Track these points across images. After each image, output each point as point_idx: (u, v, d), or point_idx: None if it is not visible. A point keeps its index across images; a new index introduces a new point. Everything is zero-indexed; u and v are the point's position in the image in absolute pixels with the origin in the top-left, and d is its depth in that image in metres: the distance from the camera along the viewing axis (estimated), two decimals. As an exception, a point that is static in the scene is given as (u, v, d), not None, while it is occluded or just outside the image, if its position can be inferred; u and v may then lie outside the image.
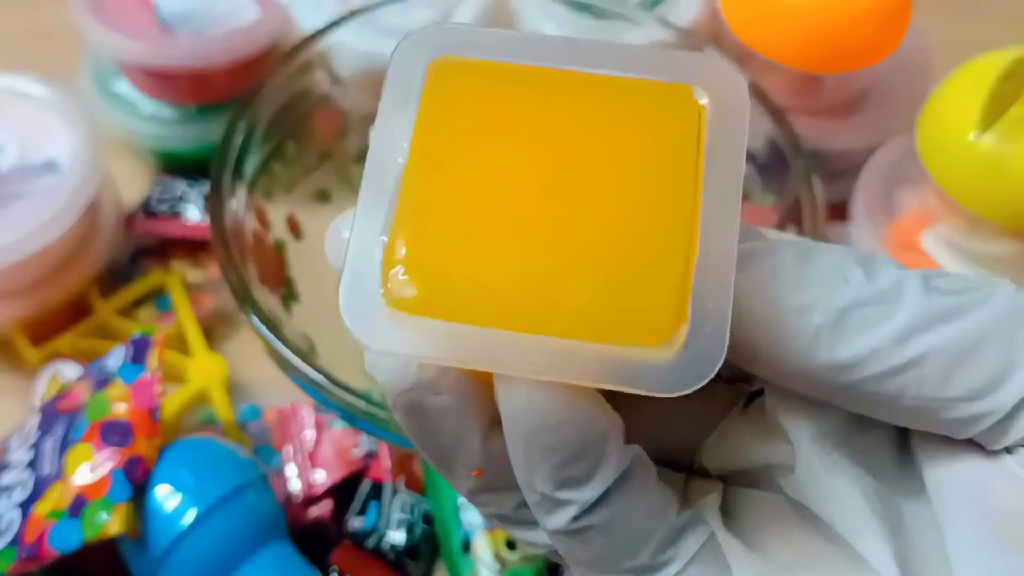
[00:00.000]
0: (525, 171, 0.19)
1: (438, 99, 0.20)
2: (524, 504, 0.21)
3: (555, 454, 0.19)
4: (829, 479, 0.21)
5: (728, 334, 0.18)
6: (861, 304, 0.19)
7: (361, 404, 0.34)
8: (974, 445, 0.20)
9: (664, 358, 0.18)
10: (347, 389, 0.34)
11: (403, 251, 0.18)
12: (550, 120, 0.19)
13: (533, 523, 0.22)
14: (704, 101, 0.19)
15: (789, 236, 0.22)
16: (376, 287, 0.19)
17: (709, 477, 0.24)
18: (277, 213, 0.44)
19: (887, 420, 0.20)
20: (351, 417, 0.35)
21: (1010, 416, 0.19)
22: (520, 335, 0.18)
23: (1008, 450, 0.20)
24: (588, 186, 0.19)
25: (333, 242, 0.22)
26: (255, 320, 0.36)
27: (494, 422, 0.20)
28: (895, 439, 0.22)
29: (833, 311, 0.19)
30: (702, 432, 0.24)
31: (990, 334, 0.19)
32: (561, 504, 0.20)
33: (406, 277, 0.18)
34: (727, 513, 0.22)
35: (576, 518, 0.20)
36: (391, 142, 0.19)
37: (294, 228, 0.45)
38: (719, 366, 0.18)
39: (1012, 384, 0.19)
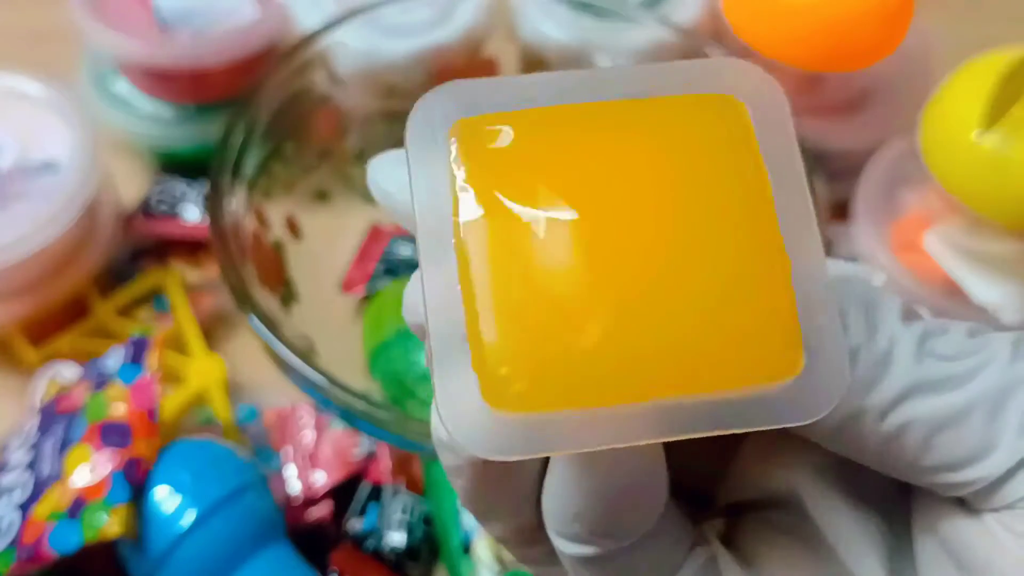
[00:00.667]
0: (591, 219, 0.17)
1: (471, 161, 0.18)
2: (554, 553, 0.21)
3: (621, 513, 0.19)
4: (828, 509, 0.21)
5: (846, 345, 0.17)
6: (853, 362, 0.19)
7: (360, 405, 0.34)
8: (960, 500, 0.20)
9: (789, 386, 0.17)
10: (346, 390, 0.34)
11: (493, 339, 0.17)
12: (599, 157, 0.17)
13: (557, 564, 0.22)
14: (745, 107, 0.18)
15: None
16: (472, 384, 0.17)
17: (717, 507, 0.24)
18: (276, 213, 0.44)
19: (876, 469, 0.20)
20: (351, 418, 0.35)
21: (993, 486, 0.19)
22: (632, 405, 0.17)
23: (995, 510, 0.20)
24: (661, 220, 0.17)
25: (378, 186, 0.21)
26: (254, 320, 0.36)
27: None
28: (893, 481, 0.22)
29: None
30: (719, 464, 0.24)
31: (977, 406, 0.19)
32: (590, 543, 0.20)
33: (507, 371, 0.16)
34: (730, 539, 0.22)
35: (600, 556, 0.20)
36: (436, 209, 0.18)
37: (293, 228, 0.45)
38: (848, 380, 0.17)
39: (995, 457, 0.19)
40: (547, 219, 0.17)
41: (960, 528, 0.20)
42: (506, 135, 0.18)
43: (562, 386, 0.16)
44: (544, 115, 0.18)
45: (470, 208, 0.17)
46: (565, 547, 0.20)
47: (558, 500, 0.19)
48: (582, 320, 0.17)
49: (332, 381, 0.34)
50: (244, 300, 0.36)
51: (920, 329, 0.19)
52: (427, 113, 0.18)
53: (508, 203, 0.17)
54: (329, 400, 0.35)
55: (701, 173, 0.17)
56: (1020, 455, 0.19)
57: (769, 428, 0.17)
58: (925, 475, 0.20)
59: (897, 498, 0.22)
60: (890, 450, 0.19)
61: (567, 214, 0.17)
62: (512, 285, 0.17)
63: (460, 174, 0.18)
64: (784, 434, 0.21)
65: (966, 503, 0.20)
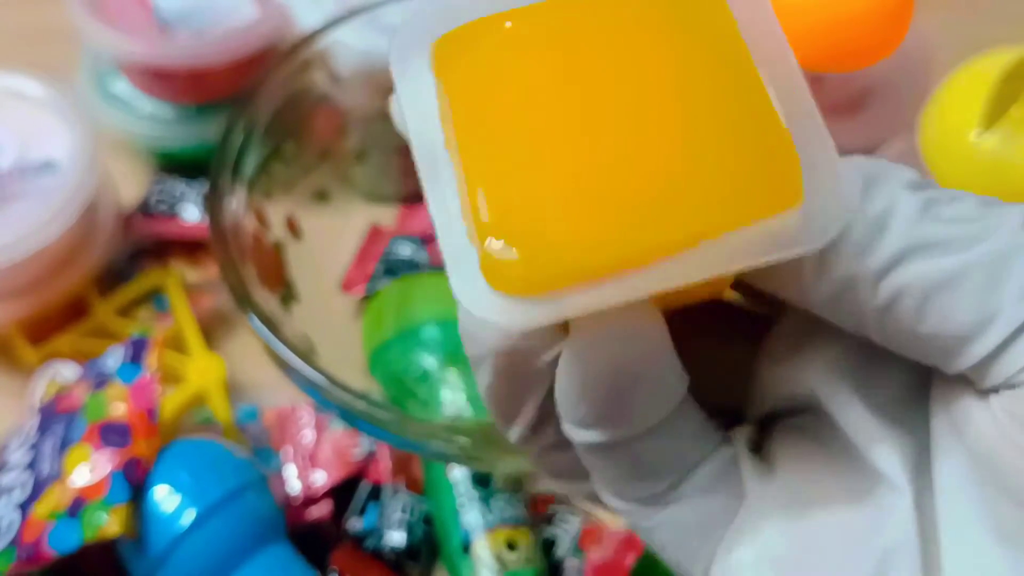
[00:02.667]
0: (576, 98, 0.18)
1: (453, 67, 0.19)
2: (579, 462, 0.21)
3: (623, 396, 0.19)
4: (848, 409, 0.21)
5: (840, 168, 0.17)
6: (848, 228, 0.18)
7: (360, 404, 0.34)
8: (969, 381, 0.19)
9: (793, 216, 0.17)
10: (346, 389, 0.34)
11: (487, 217, 0.17)
12: (574, 40, 0.18)
13: (583, 476, 0.22)
14: None
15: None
16: (481, 281, 0.17)
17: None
18: (276, 213, 0.44)
19: (880, 343, 0.20)
20: (350, 418, 0.35)
21: (992, 357, 0.18)
22: (639, 266, 0.17)
23: (996, 389, 0.19)
24: (647, 86, 0.18)
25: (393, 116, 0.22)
26: (254, 320, 0.36)
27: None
28: (913, 371, 0.21)
29: None
30: (739, 378, 0.24)
31: (975, 269, 0.18)
32: (597, 428, 0.20)
33: (502, 244, 0.17)
34: (758, 447, 0.22)
35: (608, 444, 0.20)
36: (424, 121, 0.19)
37: (293, 228, 0.45)
38: (855, 205, 0.18)
39: (994, 325, 0.18)
40: (533, 102, 0.18)
41: (970, 415, 0.19)
42: (484, 38, 0.19)
43: (567, 261, 0.17)
44: (522, 12, 0.19)
45: (455, 113, 0.18)
46: (575, 434, 0.20)
47: (565, 381, 0.19)
48: (581, 191, 0.17)
49: (332, 381, 0.35)
50: (244, 300, 0.36)
51: (926, 196, 0.19)
52: (408, 31, 0.19)
53: (493, 98, 0.18)
54: (329, 400, 0.35)
55: (680, 38, 0.18)
56: (1020, 321, 0.18)
57: (776, 260, 0.17)
58: (924, 347, 0.19)
59: (919, 395, 0.21)
60: (888, 318, 0.19)
61: (554, 94, 0.18)
62: (506, 174, 0.17)
63: (441, 83, 0.19)
64: (799, 335, 0.21)
65: (974, 385, 0.19)
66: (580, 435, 0.20)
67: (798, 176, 0.17)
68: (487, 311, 0.17)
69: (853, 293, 0.19)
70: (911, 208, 0.18)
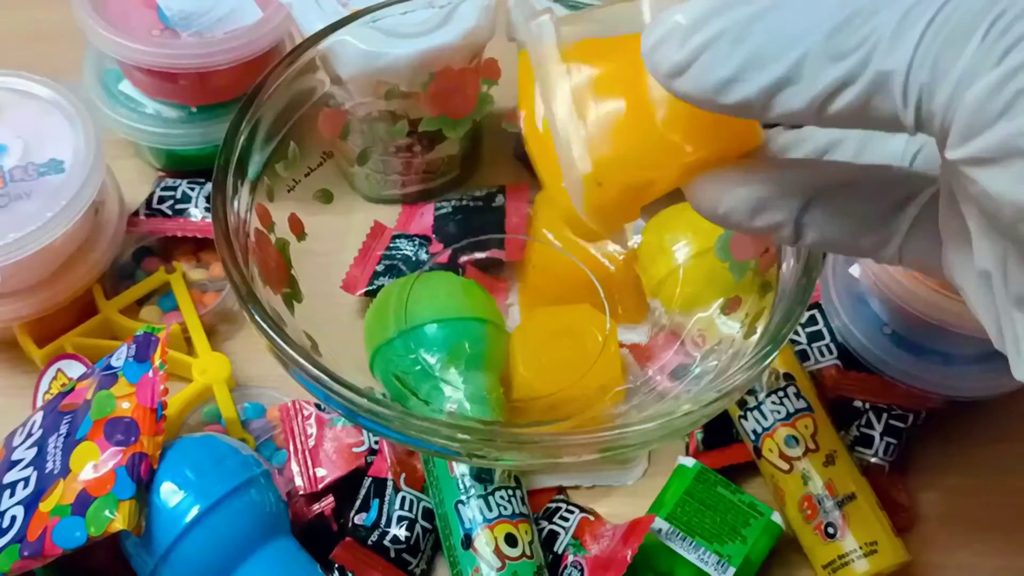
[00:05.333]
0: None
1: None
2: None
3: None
4: None
5: None
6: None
7: (363, 402, 0.34)
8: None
9: None
10: (349, 387, 0.35)
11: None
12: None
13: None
14: None
15: None
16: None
17: None
18: (280, 213, 0.44)
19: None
20: (353, 415, 0.35)
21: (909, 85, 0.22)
22: None
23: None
24: None
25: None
26: (258, 319, 0.36)
27: None
28: None
29: None
30: None
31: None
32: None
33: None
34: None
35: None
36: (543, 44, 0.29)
37: (296, 228, 0.45)
38: None
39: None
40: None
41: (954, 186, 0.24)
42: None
43: None
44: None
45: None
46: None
47: None
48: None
49: (335, 378, 0.35)
50: (248, 299, 0.37)
51: None
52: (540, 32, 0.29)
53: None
54: (332, 397, 0.35)
55: None
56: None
57: None
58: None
59: None
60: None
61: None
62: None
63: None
64: None
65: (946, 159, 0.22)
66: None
67: None
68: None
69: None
70: None
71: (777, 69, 0.23)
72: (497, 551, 0.41)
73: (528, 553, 0.41)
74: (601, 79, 0.29)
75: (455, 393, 0.44)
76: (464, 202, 0.52)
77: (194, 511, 0.38)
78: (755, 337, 0.38)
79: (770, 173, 0.28)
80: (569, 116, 0.28)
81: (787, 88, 0.23)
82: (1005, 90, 0.20)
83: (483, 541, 0.41)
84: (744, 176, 0.28)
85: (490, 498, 0.42)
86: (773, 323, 0.37)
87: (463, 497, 0.42)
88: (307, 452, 0.44)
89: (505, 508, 0.42)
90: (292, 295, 0.43)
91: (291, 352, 0.35)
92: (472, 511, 0.42)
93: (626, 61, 0.28)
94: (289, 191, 0.45)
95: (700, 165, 0.28)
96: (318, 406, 0.46)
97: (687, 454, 0.46)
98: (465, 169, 0.55)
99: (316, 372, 0.35)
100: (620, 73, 0.28)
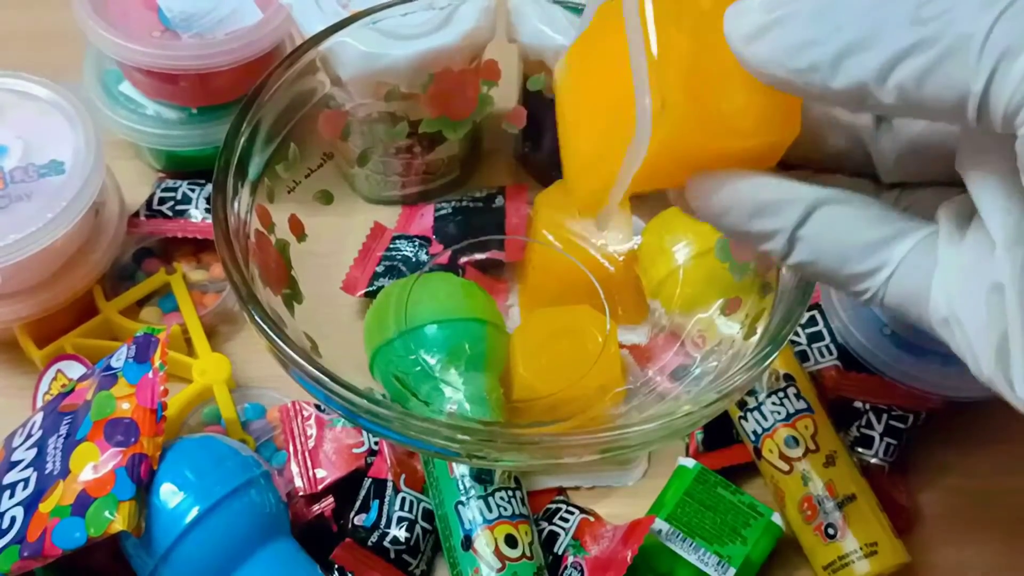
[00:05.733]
0: None
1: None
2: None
3: None
4: None
5: None
6: None
7: (363, 402, 0.34)
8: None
9: None
10: (349, 388, 0.35)
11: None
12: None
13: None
14: None
15: None
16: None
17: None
18: (280, 214, 0.44)
19: None
20: (353, 415, 0.35)
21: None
22: None
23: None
24: None
25: None
26: (258, 320, 0.36)
27: None
28: None
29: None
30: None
31: None
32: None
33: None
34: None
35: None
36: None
37: (297, 229, 0.45)
38: None
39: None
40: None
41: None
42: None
43: None
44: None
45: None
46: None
47: None
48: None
49: (335, 379, 0.35)
50: (248, 300, 0.37)
51: None
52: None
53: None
54: (332, 398, 0.35)
55: None
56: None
57: None
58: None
59: None
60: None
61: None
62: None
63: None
64: None
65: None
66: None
67: None
68: None
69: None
70: None
71: (853, 32, 0.23)
72: (497, 552, 0.41)
73: (528, 554, 0.41)
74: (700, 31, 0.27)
75: (455, 394, 0.44)
76: (464, 203, 0.52)
77: (194, 512, 0.38)
78: (755, 338, 0.38)
79: (776, 177, 0.28)
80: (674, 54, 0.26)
81: (858, 53, 0.23)
82: None
83: (483, 542, 0.41)
84: (749, 175, 0.28)
85: (490, 499, 0.42)
86: (773, 324, 0.37)
87: (463, 498, 0.42)
88: (307, 453, 0.44)
89: (505, 509, 0.42)
90: (292, 296, 0.43)
91: (291, 353, 0.35)
92: (472, 512, 0.42)
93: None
94: (289, 192, 0.45)
95: (743, 155, 0.28)
96: (318, 407, 0.46)
97: (687, 455, 0.46)
98: (465, 170, 0.55)
99: (316, 373, 0.35)
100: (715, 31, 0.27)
